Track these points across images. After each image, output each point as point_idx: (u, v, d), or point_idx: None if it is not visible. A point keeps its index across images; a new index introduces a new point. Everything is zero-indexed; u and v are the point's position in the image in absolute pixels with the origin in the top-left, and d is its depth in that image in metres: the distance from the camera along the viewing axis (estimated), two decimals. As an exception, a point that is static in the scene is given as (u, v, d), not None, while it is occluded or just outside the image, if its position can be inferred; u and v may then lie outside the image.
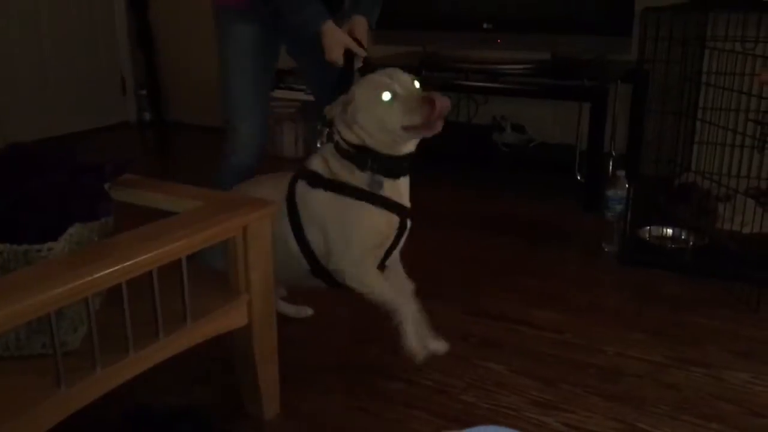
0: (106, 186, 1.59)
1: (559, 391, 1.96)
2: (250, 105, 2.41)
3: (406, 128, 1.75)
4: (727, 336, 2.24)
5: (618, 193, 2.93)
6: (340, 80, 2.21)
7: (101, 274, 1.33)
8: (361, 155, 1.82)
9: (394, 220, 1.87)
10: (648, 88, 3.08)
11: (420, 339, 1.93)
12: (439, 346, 2.02)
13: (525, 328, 2.31)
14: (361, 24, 2.33)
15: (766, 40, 2.87)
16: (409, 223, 1.91)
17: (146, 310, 1.46)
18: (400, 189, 1.87)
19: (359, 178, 1.83)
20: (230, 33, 2.37)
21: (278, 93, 4.18)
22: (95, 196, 1.45)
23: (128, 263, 1.37)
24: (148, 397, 1.87)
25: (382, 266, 1.94)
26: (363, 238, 1.83)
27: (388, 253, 1.92)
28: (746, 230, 2.90)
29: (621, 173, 3.00)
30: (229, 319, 1.66)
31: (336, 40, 2.15)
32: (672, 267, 2.71)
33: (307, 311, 2.35)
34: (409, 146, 1.84)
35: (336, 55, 2.15)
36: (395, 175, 1.84)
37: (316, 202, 1.86)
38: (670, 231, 2.90)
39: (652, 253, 2.82)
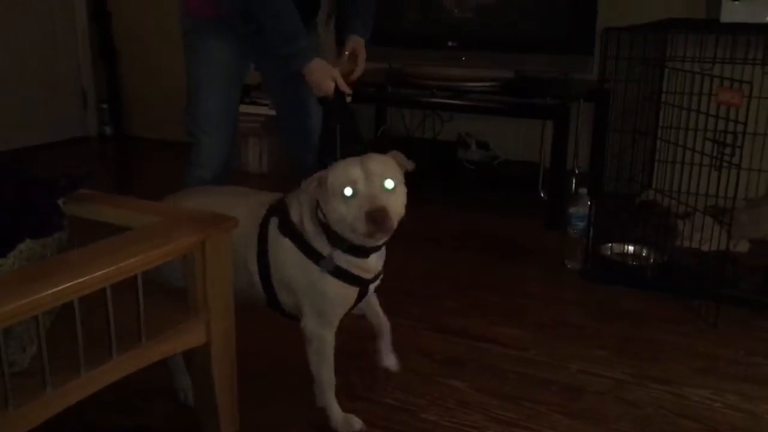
0: (61, 201, 1.55)
1: (522, 409, 1.95)
2: (217, 120, 2.38)
3: (349, 227, 1.64)
4: (687, 352, 2.26)
5: (580, 210, 2.95)
6: (327, 115, 2.23)
7: (51, 291, 1.28)
8: (331, 232, 1.70)
9: (356, 290, 1.78)
10: (609, 106, 3.12)
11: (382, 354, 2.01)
12: (391, 362, 2.03)
13: (488, 345, 2.30)
14: (360, 45, 2.39)
15: (722, 60, 2.92)
16: (372, 289, 1.84)
17: (99, 328, 1.42)
18: (369, 264, 1.76)
19: (326, 248, 1.73)
20: (201, 44, 2.33)
21: (243, 108, 4.13)
22: (46, 211, 1.41)
23: (80, 280, 1.33)
24: (100, 416, 1.82)
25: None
26: (332, 308, 1.77)
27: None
28: (705, 247, 2.93)
29: (583, 191, 3.02)
30: (186, 337, 1.62)
31: (325, 74, 2.16)
32: (633, 283, 2.73)
33: None
34: (367, 242, 1.70)
35: (326, 89, 2.17)
36: (364, 254, 1.73)
37: (284, 252, 1.76)
38: (631, 248, 2.93)
39: (613, 269, 2.84)
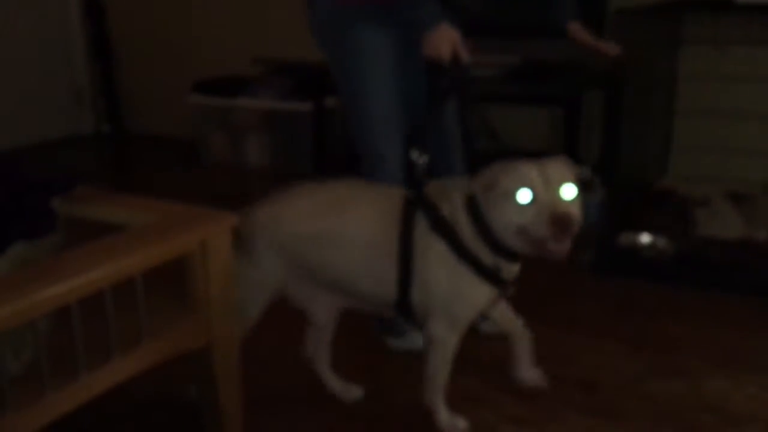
0: (56, 201, 1.52)
1: (536, 406, 1.91)
2: (396, 126, 2.06)
3: (523, 233, 1.55)
4: (706, 344, 2.20)
5: (593, 199, 2.88)
6: (431, 87, 1.96)
7: (45, 294, 1.25)
8: (490, 236, 1.62)
9: (495, 295, 1.73)
10: (622, 91, 3.05)
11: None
12: (532, 376, 1.98)
13: (499, 341, 2.25)
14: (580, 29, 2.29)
15: (741, 41, 2.85)
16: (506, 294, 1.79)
17: (99, 330, 1.39)
18: (514, 270, 1.71)
19: (485, 255, 1.65)
20: (357, 35, 2.02)
21: (241, 101, 4.10)
22: (39, 212, 1.37)
23: (76, 282, 1.30)
24: (102, 422, 1.79)
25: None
26: (467, 312, 1.71)
27: None
28: (724, 235, 2.87)
29: (596, 179, 2.96)
30: (187, 339, 1.58)
31: (448, 37, 1.88)
32: (648, 275, 2.67)
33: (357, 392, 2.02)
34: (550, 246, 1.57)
35: (444, 52, 1.88)
36: (516, 258, 1.68)
37: (435, 253, 1.66)
38: (646, 238, 2.85)
39: (628, 261, 2.77)
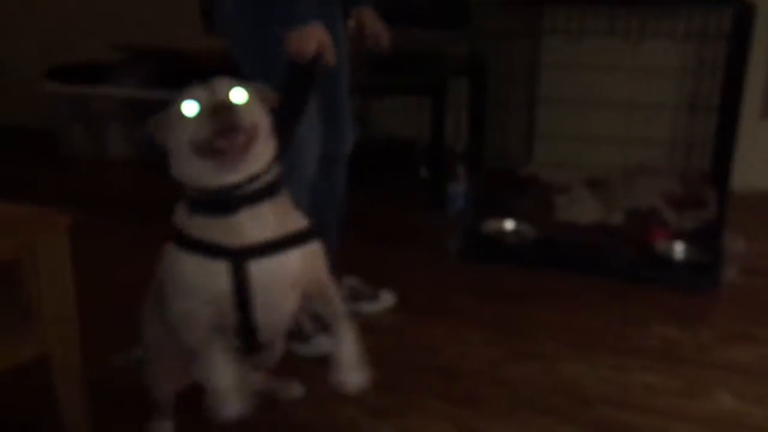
0: None
1: (398, 397, 1.90)
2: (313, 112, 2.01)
3: (194, 148, 1.34)
4: (562, 328, 2.27)
5: (460, 188, 2.93)
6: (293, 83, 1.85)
7: None
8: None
9: (218, 268, 1.39)
10: (485, 80, 3.09)
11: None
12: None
13: (364, 332, 2.23)
14: (368, 14, 2.18)
15: (597, 32, 2.96)
16: (252, 269, 1.39)
17: None
18: (238, 227, 1.38)
19: (183, 215, 1.44)
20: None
21: (101, 89, 3.89)
22: None
23: None
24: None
25: (249, 342, 1.51)
26: (182, 292, 1.43)
27: (247, 317, 1.45)
28: (582, 220, 2.98)
29: (462, 168, 3.00)
30: (19, 348, 1.47)
31: (316, 36, 1.81)
32: (513, 261, 2.73)
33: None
34: (221, 180, 1.36)
35: (307, 50, 1.80)
36: (224, 209, 1.38)
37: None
38: (510, 225, 2.92)
39: (493, 248, 2.83)
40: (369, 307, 2.36)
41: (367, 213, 3.27)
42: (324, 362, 2.03)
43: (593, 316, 2.34)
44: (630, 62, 3.31)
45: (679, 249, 2.65)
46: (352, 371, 1.56)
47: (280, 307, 1.49)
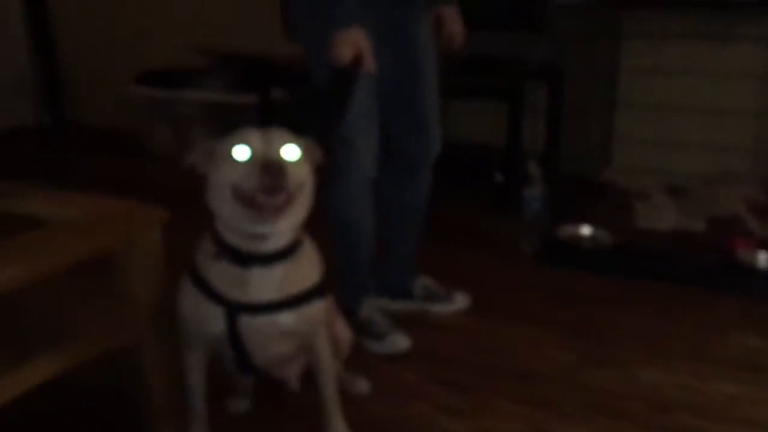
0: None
1: (471, 397, 1.92)
2: (371, 118, 2.03)
3: (236, 192, 1.37)
4: (640, 333, 2.24)
5: (535, 192, 2.92)
6: (331, 88, 1.89)
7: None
8: (213, 226, 1.48)
9: (217, 314, 1.46)
10: (563, 84, 3.08)
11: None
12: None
13: (438, 332, 2.27)
14: (449, 13, 2.15)
15: (678, 36, 2.91)
16: (243, 323, 1.46)
17: (22, 329, 1.36)
18: (245, 282, 1.44)
19: (204, 251, 1.51)
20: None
21: (185, 93, 4.04)
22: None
23: (-8, 280, 1.27)
24: (39, 416, 1.75)
25: (245, 370, 1.63)
26: (183, 318, 1.54)
27: (242, 355, 1.54)
28: (661, 227, 2.93)
29: (539, 172, 2.99)
30: (115, 336, 1.56)
31: (352, 41, 1.82)
32: (589, 266, 2.70)
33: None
34: (252, 226, 1.40)
35: (342, 55, 1.81)
36: (239, 262, 1.44)
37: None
38: (587, 230, 2.89)
39: (569, 253, 2.81)
40: (441, 308, 2.38)
41: (442, 216, 3.28)
42: (397, 359, 2.09)
43: (672, 323, 2.30)
44: (713, 66, 3.24)
45: (762, 258, 2.57)
46: (337, 422, 1.69)
47: (273, 351, 1.57)
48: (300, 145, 1.44)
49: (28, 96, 5.01)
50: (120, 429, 1.78)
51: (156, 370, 1.65)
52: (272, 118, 3.60)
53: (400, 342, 2.13)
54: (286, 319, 1.48)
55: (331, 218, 2.10)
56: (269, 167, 1.33)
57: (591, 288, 2.56)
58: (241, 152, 1.37)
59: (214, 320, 1.47)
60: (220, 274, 1.45)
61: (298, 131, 1.51)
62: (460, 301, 2.41)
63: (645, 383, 1.98)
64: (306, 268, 1.52)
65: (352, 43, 1.82)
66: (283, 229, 1.42)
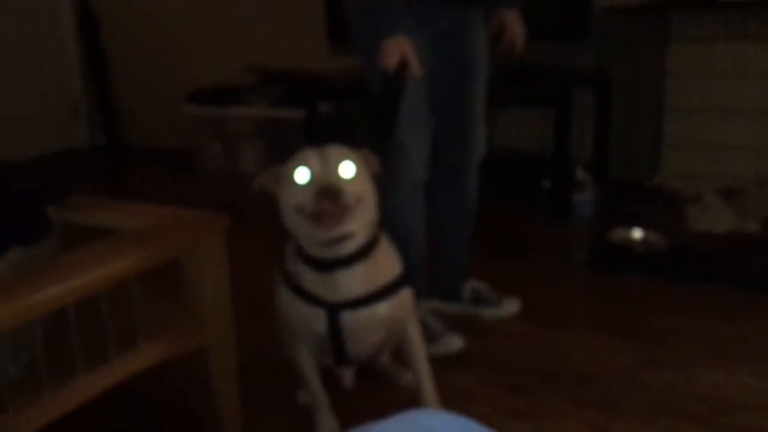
0: (51, 209, 1.55)
1: (531, 400, 1.93)
2: (422, 120, 2.08)
3: (297, 211, 1.52)
4: (697, 336, 2.22)
5: (585, 198, 2.92)
6: (382, 95, 1.97)
7: (43, 296, 1.29)
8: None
9: (318, 315, 1.62)
10: (610, 89, 3.07)
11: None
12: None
13: (495, 338, 2.28)
14: (511, 16, 2.14)
15: (725, 37, 2.88)
16: (345, 319, 1.62)
17: (96, 332, 1.42)
18: (334, 284, 1.59)
19: (294, 261, 1.66)
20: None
21: (235, 110, 4.13)
22: (34, 219, 1.40)
23: (71, 285, 1.33)
24: (106, 424, 1.81)
25: (342, 362, 1.76)
26: (288, 324, 1.72)
27: (340, 349, 1.68)
28: (715, 229, 2.89)
29: (588, 178, 2.99)
30: (182, 340, 1.61)
31: (398, 49, 1.87)
32: (642, 270, 2.69)
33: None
34: (315, 235, 1.54)
35: (389, 62, 1.87)
36: (323, 269, 1.59)
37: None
38: (639, 234, 2.87)
39: (622, 257, 2.79)
40: (490, 312, 2.38)
41: (491, 222, 3.30)
42: (455, 363, 2.11)
43: (729, 324, 2.28)
44: (762, 67, 3.20)
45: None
46: (433, 401, 1.78)
47: (368, 342, 1.72)
48: (356, 159, 1.54)
49: (82, 118, 5.18)
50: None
51: (222, 376, 1.70)
52: (320, 132, 3.67)
53: (454, 343, 2.15)
54: (382, 309, 1.64)
55: (384, 221, 2.13)
56: (326, 192, 1.47)
57: (645, 291, 2.55)
58: (301, 175, 1.51)
59: (316, 321, 1.62)
60: (312, 280, 1.60)
61: (351, 143, 1.62)
62: (510, 306, 2.41)
63: (705, 384, 1.96)
64: (385, 263, 1.66)
65: (397, 50, 1.88)
66: (352, 231, 1.54)
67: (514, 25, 2.17)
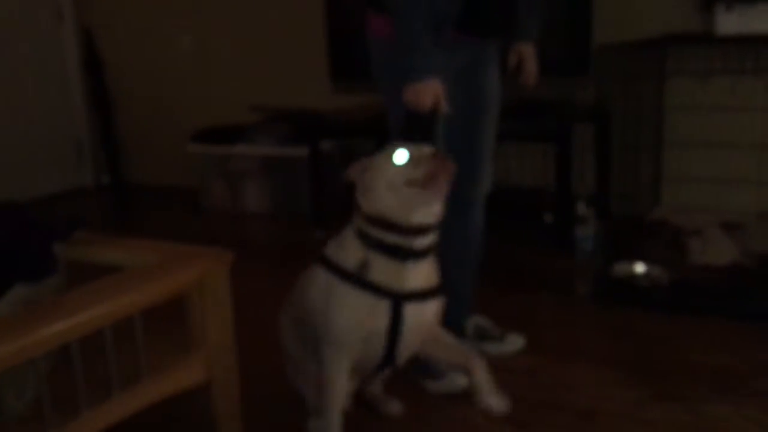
0: (58, 245, 1.56)
1: (534, 434, 1.92)
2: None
3: (409, 183, 1.59)
4: (702, 370, 2.21)
5: (587, 232, 2.93)
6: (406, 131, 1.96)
7: (47, 332, 1.29)
8: (365, 232, 1.65)
9: (382, 307, 1.63)
10: (610, 124, 3.10)
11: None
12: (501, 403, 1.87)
13: (499, 372, 2.26)
14: (529, 51, 2.21)
15: (722, 72, 2.92)
16: (408, 313, 1.65)
17: (100, 369, 1.42)
18: (403, 273, 1.64)
19: (353, 258, 1.66)
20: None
21: (239, 149, 4.17)
22: (40, 255, 1.41)
23: (76, 321, 1.34)
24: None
25: (388, 362, 1.74)
26: (336, 330, 1.66)
27: (392, 350, 1.69)
28: (717, 262, 2.89)
29: (589, 212, 3.00)
30: (187, 376, 1.61)
31: (432, 90, 1.91)
32: (646, 304, 2.69)
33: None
34: (421, 215, 1.61)
35: (424, 103, 1.91)
36: (401, 257, 1.63)
37: (310, 281, 1.74)
38: (642, 268, 2.88)
39: (625, 291, 2.79)
40: (494, 348, 2.37)
41: (494, 257, 3.30)
42: (458, 397, 2.10)
43: (734, 358, 2.26)
44: (762, 102, 3.24)
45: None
46: (494, 396, 1.78)
47: (418, 340, 1.74)
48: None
49: (86, 157, 5.22)
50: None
51: (227, 412, 1.70)
52: (323, 169, 3.70)
53: (458, 380, 2.14)
54: (434, 306, 1.71)
55: None
56: (436, 154, 1.60)
57: (648, 326, 2.54)
58: (401, 156, 1.61)
59: (378, 315, 1.63)
60: (381, 270, 1.63)
61: None
62: (514, 342, 2.40)
63: (712, 418, 1.95)
64: (435, 267, 1.73)
65: (431, 92, 1.92)
66: (436, 221, 1.64)
67: (531, 60, 2.23)
